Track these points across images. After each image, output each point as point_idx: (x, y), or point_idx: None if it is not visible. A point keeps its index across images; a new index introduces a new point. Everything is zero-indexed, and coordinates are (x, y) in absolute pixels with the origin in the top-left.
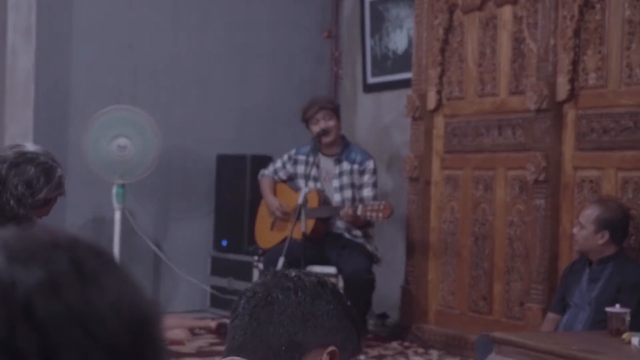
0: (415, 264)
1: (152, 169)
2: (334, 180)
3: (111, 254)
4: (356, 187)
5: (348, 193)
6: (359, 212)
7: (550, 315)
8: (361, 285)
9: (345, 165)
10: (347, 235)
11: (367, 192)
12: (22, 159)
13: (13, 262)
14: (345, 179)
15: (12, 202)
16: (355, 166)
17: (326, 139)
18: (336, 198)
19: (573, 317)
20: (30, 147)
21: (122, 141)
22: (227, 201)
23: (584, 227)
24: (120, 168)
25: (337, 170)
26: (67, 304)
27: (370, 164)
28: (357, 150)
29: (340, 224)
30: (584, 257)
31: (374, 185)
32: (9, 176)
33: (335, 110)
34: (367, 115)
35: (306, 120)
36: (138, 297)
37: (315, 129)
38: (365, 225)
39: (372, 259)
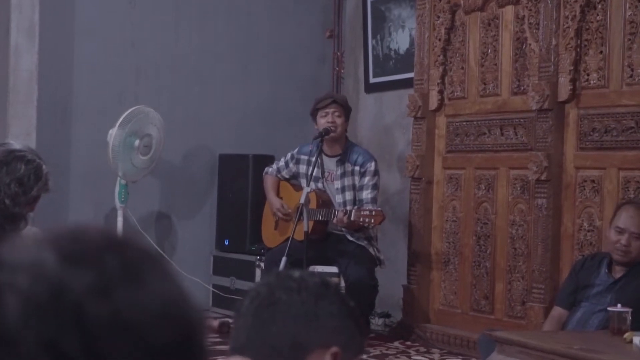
0: (417, 263)
1: (155, 167)
2: (336, 182)
3: (160, 257)
4: (357, 188)
5: (350, 194)
6: (353, 217)
7: (558, 310)
8: (364, 292)
9: (348, 166)
10: (349, 237)
11: (365, 195)
12: (11, 157)
13: (64, 263)
14: (347, 180)
15: (7, 201)
16: (357, 167)
17: (330, 136)
18: (338, 199)
19: (588, 314)
20: (16, 145)
21: (147, 141)
22: (229, 201)
23: None
24: (145, 165)
25: (339, 171)
26: (117, 309)
27: (371, 166)
28: (360, 152)
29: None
30: (602, 256)
31: (374, 187)
32: (0, 174)
33: (346, 110)
34: (369, 115)
35: (316, 111)
36: (185, 302)
37: (322, 122)
38: (360, 229)
39: (375, 262)
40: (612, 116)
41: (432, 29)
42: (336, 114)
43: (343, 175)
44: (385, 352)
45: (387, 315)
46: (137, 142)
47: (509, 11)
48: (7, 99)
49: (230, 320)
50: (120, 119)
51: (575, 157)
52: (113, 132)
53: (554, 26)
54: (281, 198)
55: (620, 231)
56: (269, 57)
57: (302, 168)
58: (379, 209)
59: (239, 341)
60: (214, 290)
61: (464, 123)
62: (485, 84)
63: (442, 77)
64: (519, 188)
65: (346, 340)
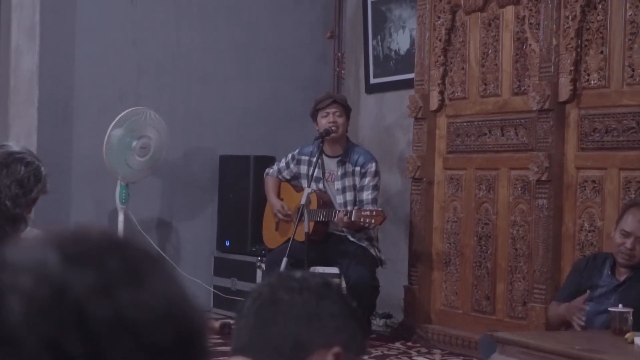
0: (418, 264)
1: (154, 169)
2: (336, 182)
3: (161, 258)
4: (357, 189)
5: (350, 195)
6: (353, 217)
7: (556, 306)
8: (366, 292)
9: (349, 167)
10: (350, 237)
11: (366, 195)
12: (11, 159)
13: (66, 264)
14: (348, 181)
15: (8, 202)
16: (357, 168)
17: (331, 136)
18: (339, 200)
19: (592, 315)
20: (14, 146)
21: (144, 142)
22: (230, 202)
23: None
24: (141, 167)
25: (340, 171)
26: (118, 309)
27: (372, 167)
28: (360, 152)
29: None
30: (604, 257)
31: (374, 188)
32: (1, 176)
33: (346, 109)
34: (369, 115)
35: (316, 112)
36: (186, 302)
37: (323, 122)
38: (360, 229)
39: (376, 263)
40: (612, 116)
41: (433, 29)
42: (337, 113)
43: (344, 175)
44: (386, 352)
45: (388, 316)
46: (134, 143)
47: (509, 11)
48: (8, 98)
49: (231, 322)
50: (117, 118)
51: (576, 158)
52: (108, 131)
53: (554, 26)
54: (282, 199)
55: (626, 235)
56: (269, 57)
57: (303, 169)
58: (380, 209)
59: (241, 341)
60: (215, 291)
61: (465, 123)
62: (485, 84)
63: (443, 77)
64: (519, 188)
65: (348, 341)
